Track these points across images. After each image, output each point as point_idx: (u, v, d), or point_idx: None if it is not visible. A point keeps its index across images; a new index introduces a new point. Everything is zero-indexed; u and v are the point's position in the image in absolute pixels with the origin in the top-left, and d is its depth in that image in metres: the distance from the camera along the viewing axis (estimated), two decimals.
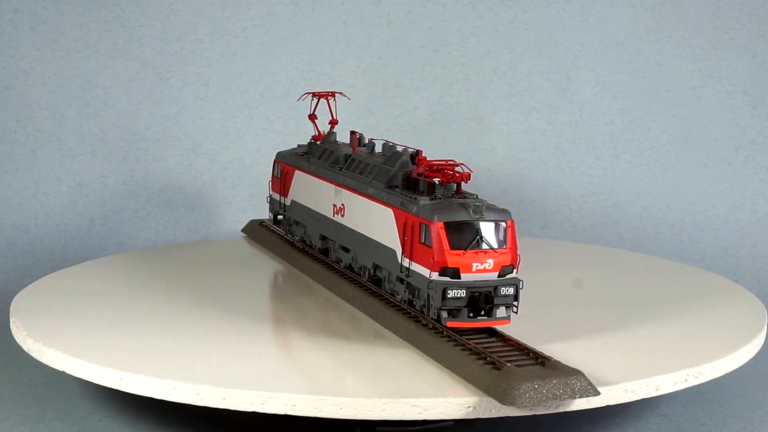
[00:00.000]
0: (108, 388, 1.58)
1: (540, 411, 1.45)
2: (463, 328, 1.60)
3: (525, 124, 3.02)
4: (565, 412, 1.50)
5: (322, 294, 2.00)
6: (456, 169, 1.68)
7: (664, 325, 1.85)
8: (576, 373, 1.47)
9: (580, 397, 1.44)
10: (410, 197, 1.68)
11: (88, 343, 1.69)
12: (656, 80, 3.03)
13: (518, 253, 1.61)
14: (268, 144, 2.96)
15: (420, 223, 1.62)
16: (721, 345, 1.73)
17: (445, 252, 1.57)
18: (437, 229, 1.58)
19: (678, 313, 1.92)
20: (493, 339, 1.61)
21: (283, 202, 2.28)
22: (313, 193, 2.10)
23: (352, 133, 2.09)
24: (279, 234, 2.34)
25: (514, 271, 1.61)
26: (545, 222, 2.93)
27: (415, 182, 1.73)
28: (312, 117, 2.28)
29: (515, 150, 3.00)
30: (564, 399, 1.43)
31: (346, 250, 1.97)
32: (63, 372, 1.64)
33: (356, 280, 1.93)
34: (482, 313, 1.59)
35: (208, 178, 2.94)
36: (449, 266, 1.57)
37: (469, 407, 1.44)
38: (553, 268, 2.27)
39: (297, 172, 2.19)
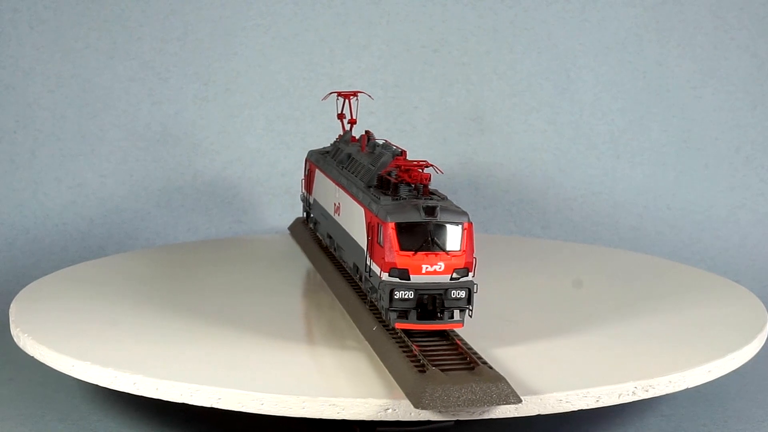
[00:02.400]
0: (107, 388, 1.58)
1: (463, 416, 1.44)
2: (413, 330, 1.59)
3: (525, 124, 3.02)
4: (566, 413, 1.50)
5: (330, 294, 2.00)
6: (425, 170, 1.67)
7: (660, 327, 1.84)
8: (499, 379, 1.45)
9: (499, 404, 1.43)
10: (376, 197, 1.68)
11: (87, 344, 1.69)
12: (656, 80, 3.03)
13: (474, 256, 1.58)
14: (268, 144, 2.96)
15: (377, 224, 1.62)
16: (719, 346, 1.72)
17: (395, 252, 1.56)
18: (389, 229, 1.57)
19: (676, 314, 1.92)
20: (443, 342, 1.59)
21: (309, 200, 2.31)
22: (324, 191, 2.13)
23: (367, 132, 2.11)
24: (311, 232, 2.35)
25: (470, 274, 1.58)
26: (545, 222, 2.93)
27: (387, 182, 1.73)
28: (341, 116, 2.30)
29: (515, 150, 3.00)
30: (481, 405, 1.42)
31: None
32: (62, 372, 1.64)
33: (352, 278, 1.93)
34: (437, 315, 1.57)
35: (208, 178, 2.94)
36: (398, 267, 1.56)
37: (387, 409, 1.45)
38: (552, 268, 2.27)
39: (317, 171, 2.21)
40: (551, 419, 1.61)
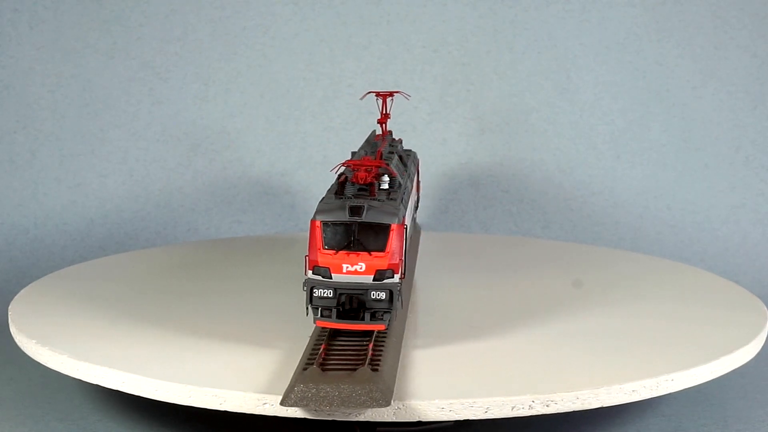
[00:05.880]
0: (108, 388, 1.58)
1: (339, 416, 1.45)
2: (333, 328, 1.58)
3: (525, 124, 3.02)
4: (563, 413, 1.50)
5: None
6: (365, 170, 1.65)
7: (657, 328, 1.83)
8: (369, 381, 1.44)
9: (365, 406, 1.42)
10: (326, 196, 1.68)
11: (87, 344, 1.69)
12: (656, 80, 3.03)
13: (402, 258, 1.57)
14: (268, 144, 2.96)
15: (312, 222, 1.62)
16: (715, 347, 1.71)
17: (317, 250, 1.55)
18: (314, 227, 1.57)
19: (675, 314, 1.92)
20: (363, 341, 1.58)
21: None
22: None
23: (389, 132, 2.11)
24: None
25: (395, 276, 1.56)
26: (545, 222, 2.93)
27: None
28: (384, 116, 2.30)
29: (515, 150, 3.00)
30: (346, 406, 1.42)
31: None
32: (62, 372, 1.64)
33: None
34: (360, 315, 1.56)
35: (208, 178, 2.94)
36: (320, 265, 1.55)
37: (265, 403, 1.47)
38: (552, 268, 2.27)
39: None
40: (551, 419, 1.61)
